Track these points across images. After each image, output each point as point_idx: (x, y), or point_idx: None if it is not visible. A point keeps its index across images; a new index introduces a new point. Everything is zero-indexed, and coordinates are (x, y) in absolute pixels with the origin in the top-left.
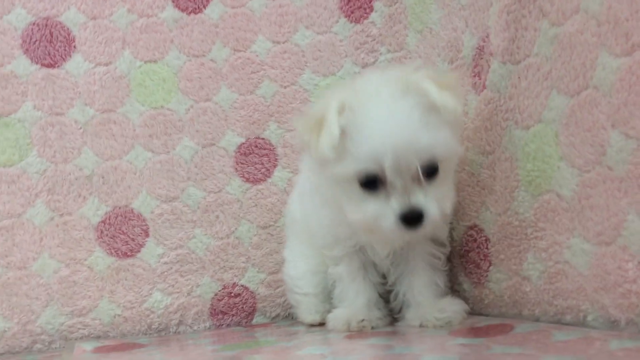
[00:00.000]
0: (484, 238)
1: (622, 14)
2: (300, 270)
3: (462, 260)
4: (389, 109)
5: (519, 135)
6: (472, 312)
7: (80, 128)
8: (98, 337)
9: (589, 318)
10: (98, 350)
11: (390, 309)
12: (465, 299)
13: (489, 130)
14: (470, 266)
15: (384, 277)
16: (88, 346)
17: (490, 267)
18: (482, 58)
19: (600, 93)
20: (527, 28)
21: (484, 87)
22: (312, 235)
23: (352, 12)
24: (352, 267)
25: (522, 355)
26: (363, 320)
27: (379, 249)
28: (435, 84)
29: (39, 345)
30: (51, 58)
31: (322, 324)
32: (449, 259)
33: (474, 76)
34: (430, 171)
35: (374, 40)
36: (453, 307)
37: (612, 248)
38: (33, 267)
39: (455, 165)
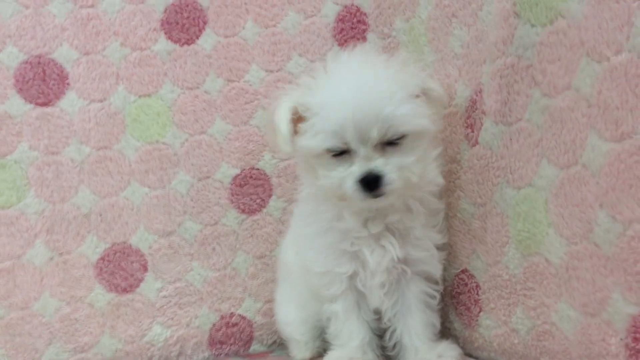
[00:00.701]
0: (475, 284)
1: (612, 102)
2: (290, 317)
3: (454, 300)
4: (355, 79)
5: (510, 194)
6: (463, 353)
7: (77, 166)
8: None
9: None
10: None
11: (384, 347)
12: (456, 338)
13: (481, 184)
14: (461, 308)
15: (377, 313)
16: None
17: (481, 313)
18: (474, 111)
19: (589, 172)
20: (519, 93)
21: (477, 142)
22: (307, 275)
23: (346, 41)
24: (347, 305)
25: None
26: None
27: (351, 221)
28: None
29: None
30: (45, 97)
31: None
32: (441, 297)
33: (467, 127)
34: (394, 141)
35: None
36: (450, 353)
37: (597, 320)
38: (34, 306)
39: (428, 141)
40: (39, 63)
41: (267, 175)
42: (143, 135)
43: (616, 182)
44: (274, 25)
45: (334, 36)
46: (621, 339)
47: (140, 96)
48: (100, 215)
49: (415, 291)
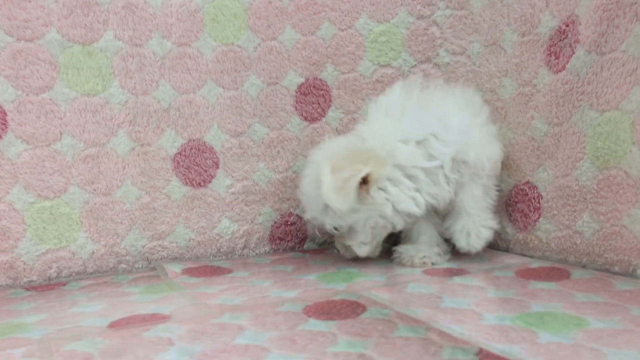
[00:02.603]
0: (537, 194)
1: None
2: None
3: (509, 209)
4: (301, 191)
5: (592, 116)
6: (510, 251)
7: (158, 61)
8: (175, 259)
9: (638, 271)
10: (186, 272)
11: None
12: (506, 241)
13: (561, 105)
14: (517, 215)
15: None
16: (176, 268)
17: (540, 219)
18: (562, 41)
19: None
20: (618, 27)
21: (564, 68)
22: None
23: None
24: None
25: (595, 305)
26: (424, 256)
27: None
28: (331, 184)
29: (123, 266)
30: None
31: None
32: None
33: (549, 55)
34: (346, 230)
35: None
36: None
37: None
38: (117, 194)
39: (358, 231)
40: None
41: (329, 87)
42: (220, 36)
43: None
44: None
45: None
46: None
47: None
48: (179, 110)
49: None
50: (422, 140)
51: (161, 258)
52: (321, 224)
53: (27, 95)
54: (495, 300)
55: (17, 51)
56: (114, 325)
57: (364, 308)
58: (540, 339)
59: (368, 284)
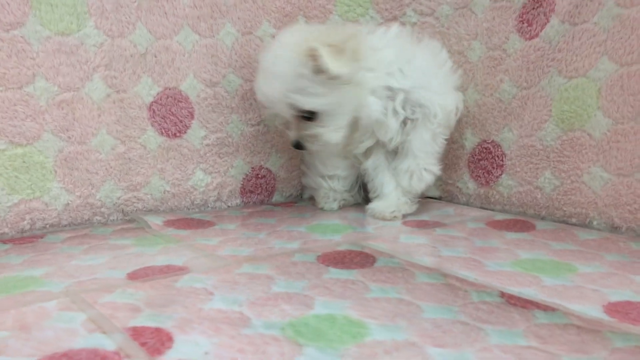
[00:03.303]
0: (500, 152)
1: None
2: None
3: (471, 165)
4: (272, 71)
5: (559, 82)
6: (470, 205)
7: (135, 1)
8: (149, 211)
9: (594, 223)
10: (168, 224)
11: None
12: (467, 195)
13: (531, 70)
14: (480, 171)
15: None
16: (157, 220)
17: (503, 175)
18: (535, 9)
19: None
20: (592, 0)
21: (537, 35)
22: None
23: None
24: (376, 160)
25: (571, 252)
26: (394, 210)
27: None
28: (330, 51)
29: (98, 218)
30: None
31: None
32: (457, 165)
33: (521, 22)
34: (310, 116)
35: None
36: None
37: (629, 179)
38: (92, 142)
39: (338, 114)
40: None
41: None
42: None
43: None
44: None
45: None
46: None
47: None
48: (155, 57)
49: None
50: (390, 72)
51: (136, 210)
52: (288, 108)
53: None
54: (485, 248)
55: None
56: (134, 277)
57: (374, 258)
58: (545, 283)
59: (360, 235)
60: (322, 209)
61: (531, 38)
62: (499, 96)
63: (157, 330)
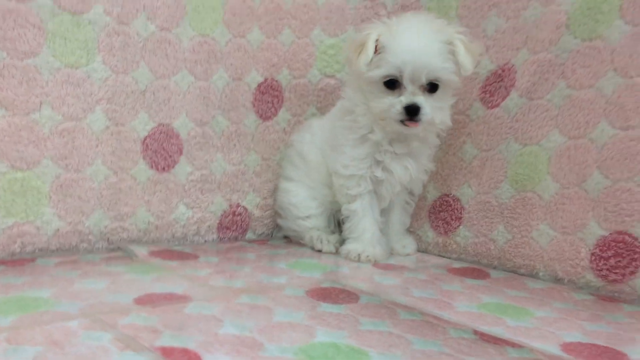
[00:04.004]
0: (459, 206)
1: (627, 105)
2: (301, 197)
3: (432, 216)
4: (417, 39)
5: (515, 147)
6: (429, 253)
7: (141, 42)
8: (133, 241)
9: (540, 274)
10: (154, 255)
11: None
12: (427, 243)
13: (491, 136)
14: (440, 222)
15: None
16: (143, 250)
17: (460, 227)
18: (497, 82)
19: (594, 145)
20: (547, 80)
21: (498, 105)
22: (334, 177)
23: None
24: (364, 205)
25: (525, 299)
26: (368, 255)
27: (380, 135)
28: (463, 44)
29: (84, 245)
30: None
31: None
32: (419, 215)
33: (484, 92)
34: (433, 87)
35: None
36: (411, 245)
37: (572, 237)
38: (87, 171)
39: (451, 91)
40: None
41: (282, 88)
42: (198, 26)
43: (614, 154)
44: None
45: None
46: (589, 250)
47: None
48: (154, 94)
49: (400, 199)
50: None
51: (120, 239)
52: (423, 72)
53: (11, 58)
54: (451, 292)
55: (7, 10)
56: (141, 302)
57: (356, 295)
58: (508, 323)
59: (338, 274)
60: (320, 251)
61: (492, 107)
62: (461, 155)
63: (185, 351)
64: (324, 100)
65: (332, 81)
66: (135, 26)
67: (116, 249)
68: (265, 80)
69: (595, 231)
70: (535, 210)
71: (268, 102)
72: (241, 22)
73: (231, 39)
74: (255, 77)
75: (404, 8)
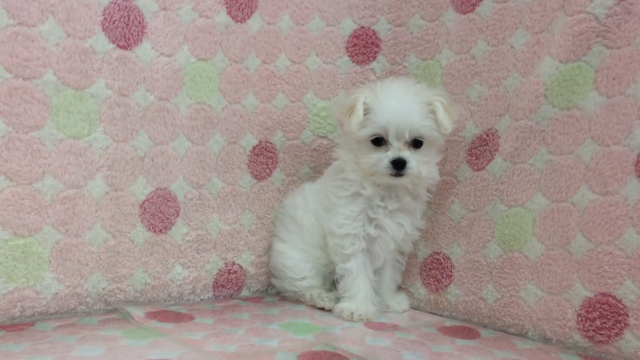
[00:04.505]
0: (449, 264)
1: (605, 171)
2: (295, 260)
3: (423, 274)
4: (400, 100)
5: (501, 209)
6: (421, 310)
7: (141, 112)
8: (130, 302)
9: (529, 334)
10: (150, 316)
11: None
12: (419, 300)
13: (478, 197)
14: (430, 280)
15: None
16: (139, 312)
17: (451, 285)
18: (482, 146)
19: (576, 208)
20: (529, 145)
21: (483, 168)
22: (329, 237)
23: (356, 55)
24: (358, 264)
25: None
26: (361, 314)
27: (371, 190)
28: (442, 105)
29: (82, 307)
30: (126, 40)
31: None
32: (410, 272)
33: (470, 155)
34: (417, 143)
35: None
36: (404, 302)
37: (558, 298)
38: (87, 235)
39: (435, 147)
40: (125, 7)
41: (277, 150)
42: (195, 95)
43: (595, 218)
44: (303, 24)
45: (346, 47)
46: (575, 310)
47: (199, 59)
48: (152, 160)
49: (391, 258)
50: None
51: (117, 300)
52: (407, 130)
53: (17, 132)
54: (441, 354)
55: (14, 88)
56: None
57: None
58: None
59: (329, 335)
60: (322, 308)
61: (478, 170)
62: (449, 215)
63: None
64: (317, 159)
65: (325, 141)
66: (135, 97)
67: (113, 311)
68: (260, 142)
69: (581, 292)
70: (522, 270)
71: (263, 163)
72: (237, 90)
73: (227, 106)
74: (250, 140)
75: (392, 73)
